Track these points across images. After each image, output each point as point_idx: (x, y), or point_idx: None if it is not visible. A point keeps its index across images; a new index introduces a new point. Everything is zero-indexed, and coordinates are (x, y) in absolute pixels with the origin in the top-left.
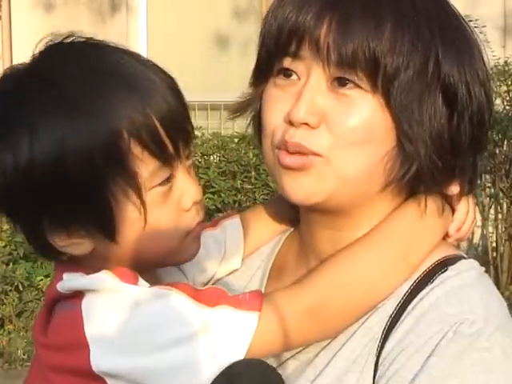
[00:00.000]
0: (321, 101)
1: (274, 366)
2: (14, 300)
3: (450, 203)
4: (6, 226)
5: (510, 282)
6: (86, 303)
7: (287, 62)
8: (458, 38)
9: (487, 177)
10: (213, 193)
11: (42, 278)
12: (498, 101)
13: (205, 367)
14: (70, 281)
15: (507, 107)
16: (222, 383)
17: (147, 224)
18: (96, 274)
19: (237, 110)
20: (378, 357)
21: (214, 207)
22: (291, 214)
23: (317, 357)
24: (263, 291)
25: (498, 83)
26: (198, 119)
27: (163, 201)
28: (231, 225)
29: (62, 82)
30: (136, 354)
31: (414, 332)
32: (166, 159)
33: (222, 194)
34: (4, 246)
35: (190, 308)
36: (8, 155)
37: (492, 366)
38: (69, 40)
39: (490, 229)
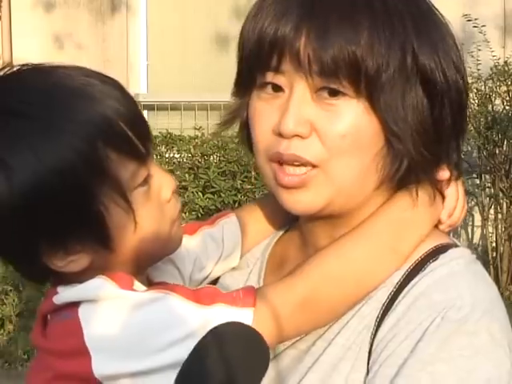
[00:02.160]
0: (308, 111)
1: (274, 354)
2: (14, 300)
3: (439, 190)
4: None
5: (510, 281)
6: (84, 311)
7: (270, 76)
8: (431, 28)
9: (487, 177)
10: (213, 193)
11: None
12: (497, 101)
13: None
14: (66, 292)
15: (507, 107)
16: (208, 340)
17: (137, 224)
18: (91, 282)
19: (224, 122)
20: (371, 344)
21: (213, 207)
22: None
23: (313, 345)
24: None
25: (498, 83)
26: (198, 119)
27: (147, 198)
28: (229, 223)
29: (24, 110)
30: (137, 358)
31: (404, 319)
32: (141, 159)
33: (222, 194)
34: None
35: (188, 309)
36: None
37: (480, 350)
38: (15, 69)
39: (490, 229)
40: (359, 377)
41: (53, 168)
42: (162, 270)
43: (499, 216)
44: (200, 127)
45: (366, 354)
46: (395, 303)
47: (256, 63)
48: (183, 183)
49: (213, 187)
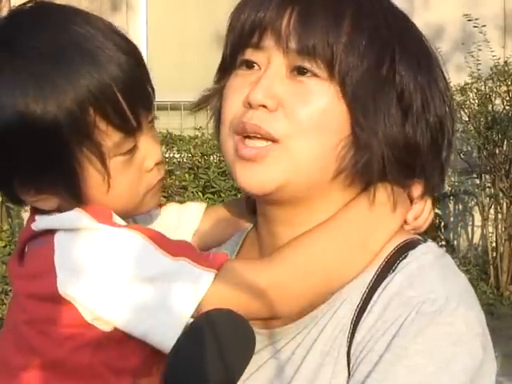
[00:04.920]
0: (279, 87)
1: (257, 366)
2: None
3: (408, 194)
4: (6, 226)
5: (510, 281)
6: (59, 238)
7: (248, 53)
8: (418, 49)
9: (487, 177)
10: (213, 193)
11: None
12: (497, 101)
13: (153, 312)
14: (44, 219)
15: (507, 107)
16: (202, 321)
17: (110, 187)
18: (68, 213)
19: (197, 103)
20: (349, 347)
21: None
22: (247, 216)
23: (293, 354)
24: None
25: (498, 83)
26: (198, 119)
27: (126, 166)
28: (196, 205)
29: (32, 55)
30: (97, 284)
31: (381, 319)
32: (129, 132)
33: (222, 194)
34: (4, 246)
35: (155, 254)
36: None
37: (457, 339)
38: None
39: (490, 229)
40: (341, 382)
41: (37, 114)
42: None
43: (499, 216)
44: (200, 127)
45: (345, 358)
46: (370, 304)
47: (238, 42)
48: (183, 183)
49: (213, 187)
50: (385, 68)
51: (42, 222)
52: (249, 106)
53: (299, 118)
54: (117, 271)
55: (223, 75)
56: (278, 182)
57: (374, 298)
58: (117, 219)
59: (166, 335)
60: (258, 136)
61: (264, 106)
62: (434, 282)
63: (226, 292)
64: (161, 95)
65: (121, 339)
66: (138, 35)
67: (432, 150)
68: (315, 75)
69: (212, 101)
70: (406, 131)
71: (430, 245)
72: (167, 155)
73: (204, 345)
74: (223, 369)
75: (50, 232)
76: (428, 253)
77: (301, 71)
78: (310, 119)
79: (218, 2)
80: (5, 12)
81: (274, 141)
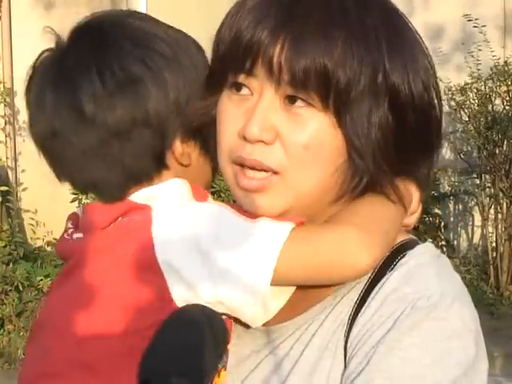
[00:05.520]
0: (274, 118)
1: (256, 363)
2: (14, 300)
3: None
4: (6, 226)
5: (510, 281)
6: (157, 209)
7: (241, 78)
8: (405, 47)
9: (487, 177)
10: (213, 193)
11: (42, 278)
12: (497, 101)
13: (246, 270)
14: (144, 190)
15: (507, 107)
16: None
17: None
18: (171, 180)
19: (193, 119)
20: (346, 341)
21: None
22: None
23: (291, 349)
24: None
25: (498, 83)
26: None
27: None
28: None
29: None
30: (194, 252)
31: (377, 314)
32: None
33: (222, 194)
34: (4, 246)
35: (241, 222)
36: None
37: (452, 334)
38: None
39: (490, 229)
40: (339, 375)
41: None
42: None
43: (499, 216)
44: None
45: (342, 352)
46: (368, 300)
47: (230, 64)
48: None
49: (213, 187)
50: (379, 81)
51: (142, 193)
52: (245, 139)
53: (296, 149)
54: (212, 240)
55: (215, 89)
56: (280, 208)
57: (372, 294)
58: (211, 200)
59: (245, 299)
60: (258, 168)
61: (261, 141)
62: (430, 280)
63: (297, 246)
64: None
65: None
66: None
67: (420, 145)
68: (309, 105)
69: (207, 116)
70: (397, 132)
71: (428, 245)
72: None
73: (188, 335)
74: (200, 360)
75: (147, 205)
76: (426, 252)
77: (294, 101)
78: (306, 150)
79: (218, 2)
80: (5, 12)
81: (274, 172)
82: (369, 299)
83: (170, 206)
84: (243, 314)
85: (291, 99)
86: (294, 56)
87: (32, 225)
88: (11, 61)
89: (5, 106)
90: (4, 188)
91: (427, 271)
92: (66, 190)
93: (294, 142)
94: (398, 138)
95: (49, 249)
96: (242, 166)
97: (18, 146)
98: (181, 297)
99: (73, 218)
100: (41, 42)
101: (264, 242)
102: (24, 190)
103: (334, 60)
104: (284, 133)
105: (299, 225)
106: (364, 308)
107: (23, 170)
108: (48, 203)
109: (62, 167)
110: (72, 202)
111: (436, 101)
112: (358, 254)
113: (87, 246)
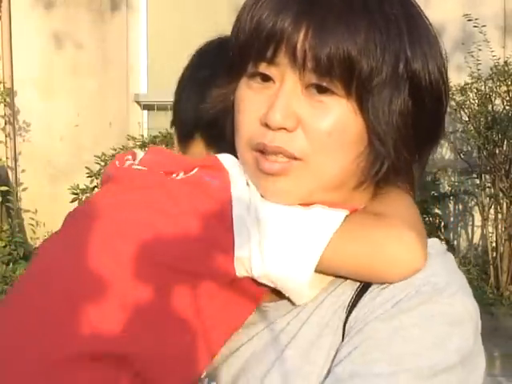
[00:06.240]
0: (296, 105)
1: (248, 337)
2: None
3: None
4: (6, 226)
5: (510, 281)
6: (233, 176)
7: (262, 67)
8: (422, 34)
9: (487, 177)
10: None
11: None
12: (497, 101)
13: (305, 250)
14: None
15: (507, 107)
16: None
17: None
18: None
19: (211, 107)
20: (345, 323)
21: None
22: None
23: (288, 325)
24: None
25: (498, 83)
26: None
27: None
28: None
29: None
30: (255, 223)
31: (380, 296)
32: None
33: None
34: (4, 246)
35: (298, 210)
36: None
37: (453, 320)
38: None
39: (490, 229)
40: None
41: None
42: None
43: (499, 216)
44: None
45: (341, 330)
46: (372, 285)
47: (250, 53)
48: None
49: None
50: (400, 70)
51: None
52: (267, 126)
53: (318, 136)
54: (268, 220)
55: (233, 77)
56: (302, 194)
57: None
58: None
59: (297, 269)
60: (280, 155)
61: (284, 128)
62: (437, 269)
63: (350, 233)
64: (161, 95)
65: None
66: (137, 35)
67: (429, 134)
68: (332, 92)
69: (224, 104)
70: (415, 119)
71: (435, 240)
72: None
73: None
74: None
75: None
76: (432, 246)
77: (317, 89)
78: (329, 138)
79: (218, 2)
80: (5, 12)
81: (295, 158)
82: (373, 285)
83: (241, 177)
84: (286, 290)
85: (314, 87)
86: (318, 43)
87: (32, 225)
88: (11, 61)
89: (5, 106)
90: (4, 188)
91: (435, 261)
92: (66, 190)
93: (317, 128)
94: (416, 124)
95: None
96: (263, 152)
97: (18, 146)
98: (240, 260)
99: (131, 153)
100: (41, 42)
101: (315, 229)
102: (24, 190)
103: (358, 48)
104: (306, 120)
105: (353, 212)
106: (368, 292)
107: (23, 170)
108: (48, 203)
109: None
110: (72, 201)
111: (446, 86)
112: (417, 253)
113: (155, 179)
